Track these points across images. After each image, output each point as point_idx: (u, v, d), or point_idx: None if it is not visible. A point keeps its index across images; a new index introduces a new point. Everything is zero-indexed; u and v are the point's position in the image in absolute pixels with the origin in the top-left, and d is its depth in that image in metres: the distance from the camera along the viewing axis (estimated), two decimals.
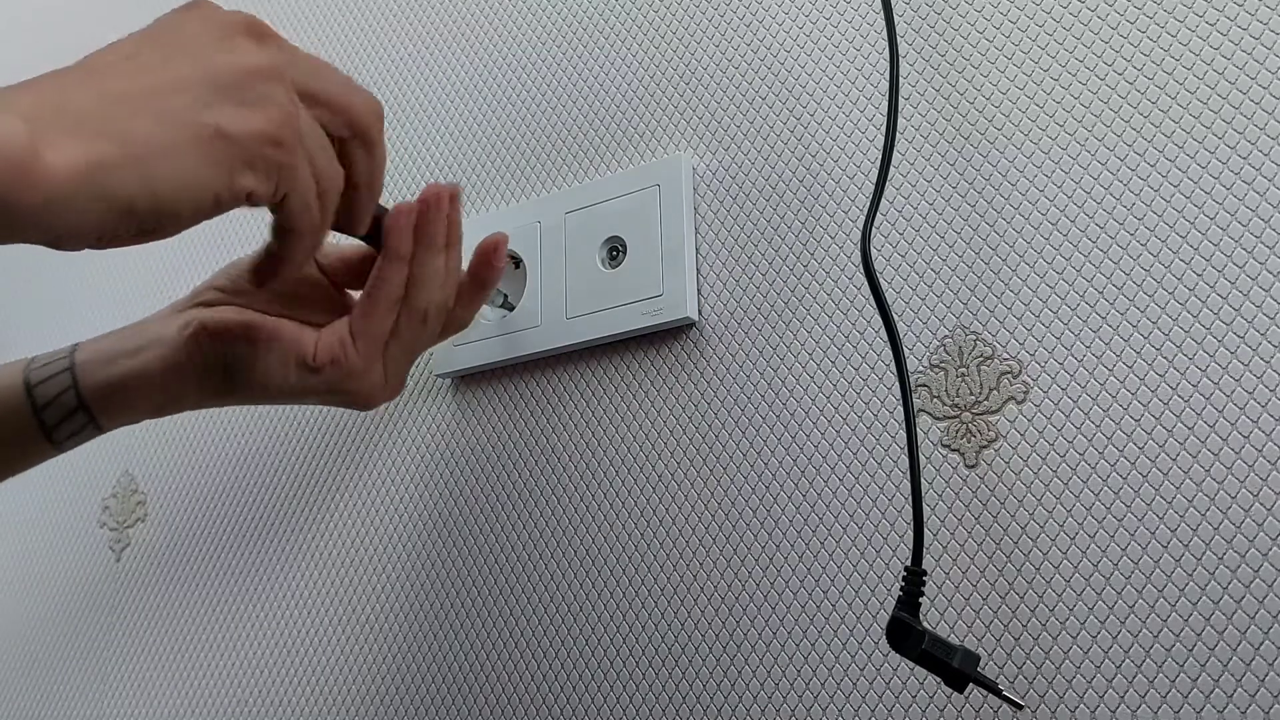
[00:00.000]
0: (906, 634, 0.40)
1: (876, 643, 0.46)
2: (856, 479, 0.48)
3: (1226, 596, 0.40)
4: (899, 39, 0.51)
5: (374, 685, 0.60)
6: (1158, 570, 0.41)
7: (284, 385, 0.47)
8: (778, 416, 0.51)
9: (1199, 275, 0.43)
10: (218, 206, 0.38)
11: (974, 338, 0.47)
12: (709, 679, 0.49)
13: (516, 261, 0.60)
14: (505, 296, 0.59)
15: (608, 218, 0.57)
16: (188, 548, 0.71)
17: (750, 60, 0.58)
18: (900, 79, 0.50)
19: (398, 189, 0.70)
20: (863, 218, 0.50)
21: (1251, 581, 0.39)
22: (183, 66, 0.37)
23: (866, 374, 0.49)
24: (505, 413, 0.60)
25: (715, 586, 0.50)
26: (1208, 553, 0.40)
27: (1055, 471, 0.44)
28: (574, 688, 0.53)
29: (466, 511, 0.60)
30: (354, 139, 0.42)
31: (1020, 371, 0.46)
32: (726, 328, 0.54)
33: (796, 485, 0.49)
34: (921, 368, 0.48)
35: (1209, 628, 0.40)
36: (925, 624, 0.40)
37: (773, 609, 0.48)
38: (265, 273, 0.43)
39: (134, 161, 0.35)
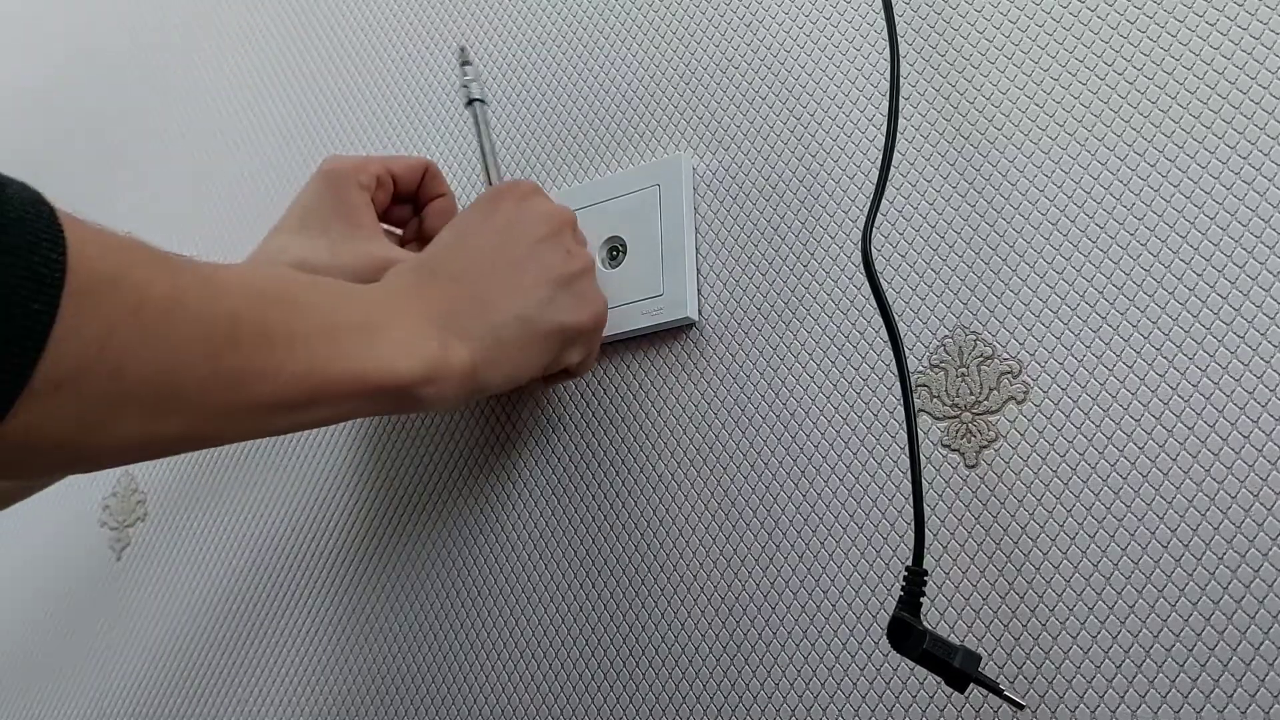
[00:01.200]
0: (907, 634, 0.40)
1: (877, 643, 0.46)
2: (856, 479, 0.48)
3: (1226, 596, 0.40)
4: (899, 39, 0.51)
5: (373, 685, 0.60)
6: (1158, 570, 0.41)
7: None
8: (778, 416, 0.51)
9: (1199, 275, 0.43)
10: (544, 371, 0.50)
11: (974, 338, 0.47)
12: (709, 679, 0.49)
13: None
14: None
15: (608, 217, 0.57)
16: (188, 548, 0.71)
17: (750, 60, 0.58)
18: (900, 79, 0.50)
19: None
20: (863, 218, 0.50)
21: (1251, 581, 0.39)
22: (531, 271, 0.48)
23: (866, 374, 0.49)
24: (505, 413, 0.60)
25: (715, 586, 0.50)
26: (1208, 553, 0.40)
27: (1055, 471, 0.44)
28: (574, 688, 0.53)
29: (466, 511, 0.59)
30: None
31: (1020, 371, 0.46)
32: (726, 328, 0.54)
33: (796, 485, 0.49)
34: (921, 368, 0.48)
35: (1209, 628, 0.40)
36: (926, 624, 0.40)
37: (773, 609, 0.48)
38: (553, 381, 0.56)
39: (504, 358, 0.46)
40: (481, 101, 0.62)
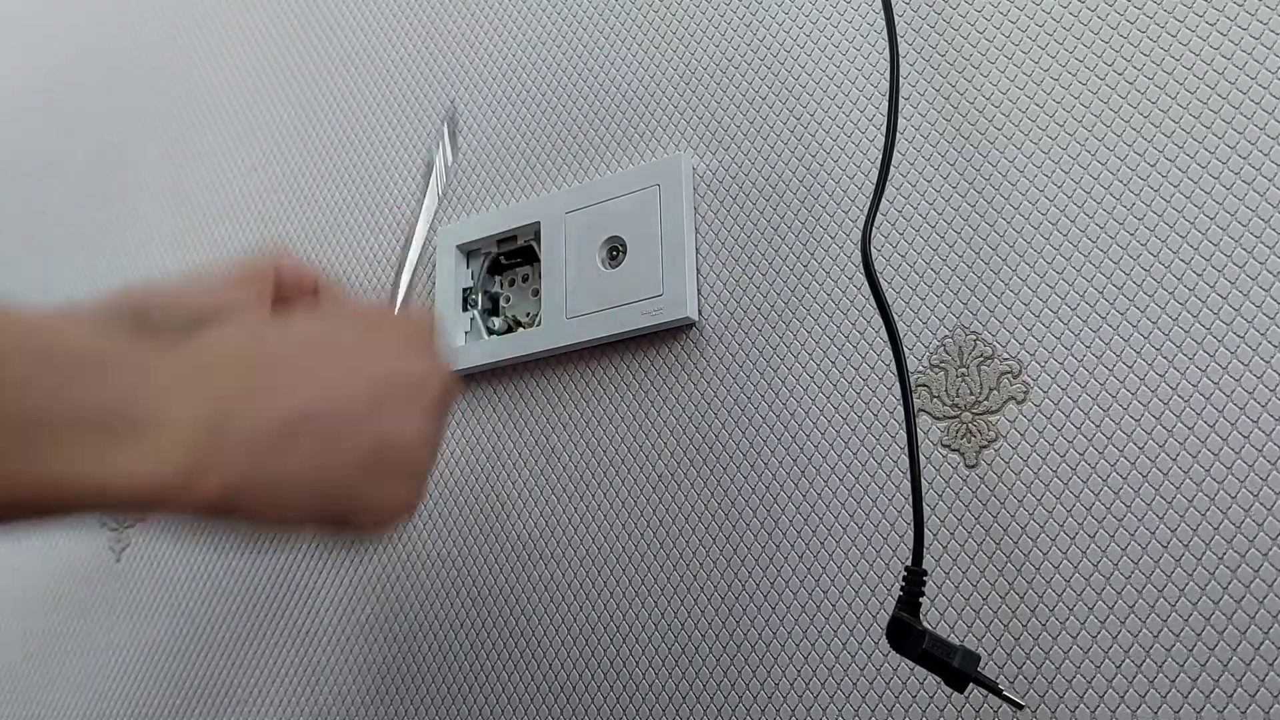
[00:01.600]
0: (907, 634, 0.40)
1: (876, 643, 0.46)
2: (856, 479, 0.48)
3: (1226, 596, 0.40)
4: (899, 39, 0.51)
5: (373, 685, 0.60)
6: (1158, 570, 0.41)
7: None
8: (778, 416, 0.51)
9: (1199, 275, 0.43)
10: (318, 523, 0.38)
11: (974, 338, 0.47)
12: (709, 679, 0.49)
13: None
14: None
15: (608, 217, 0.57)
16: (187, 549, 0.71)
17: (750, 60, 0.58)
18: (900, 79, 0.50)
19: (398, 188, 0.70)
20: (863, 218, 0.50)
21: (1251, 581, 0.39)
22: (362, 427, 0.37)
23: (866, 374, 0.49)
24: (505, 412, 0.60)
25: (715, 586, 0.50)
26: (1208, 553, 0.40)
27: (1055, 471, 0.44)
28: (574, 688, 0.53)
29: (466, 511, 0.59)
30: None
31: (1020, 371, 0.46)
32: (726, 328, 0.54)
33: (796, 485, 0.49)
34: (921, 368, 0.48)
35: (1209, 628, 0.40)
36: (925, 624, 0.40)
37: (773, 609, 0.48)
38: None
39: (273, 495, 0.35)
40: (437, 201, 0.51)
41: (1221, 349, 0.42)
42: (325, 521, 0.37)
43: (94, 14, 0.99)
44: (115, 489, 0.30)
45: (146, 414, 0.31)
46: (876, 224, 0.50)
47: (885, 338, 0.49)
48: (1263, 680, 0.38)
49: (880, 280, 0.46)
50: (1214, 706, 0.39)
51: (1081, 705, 0.41)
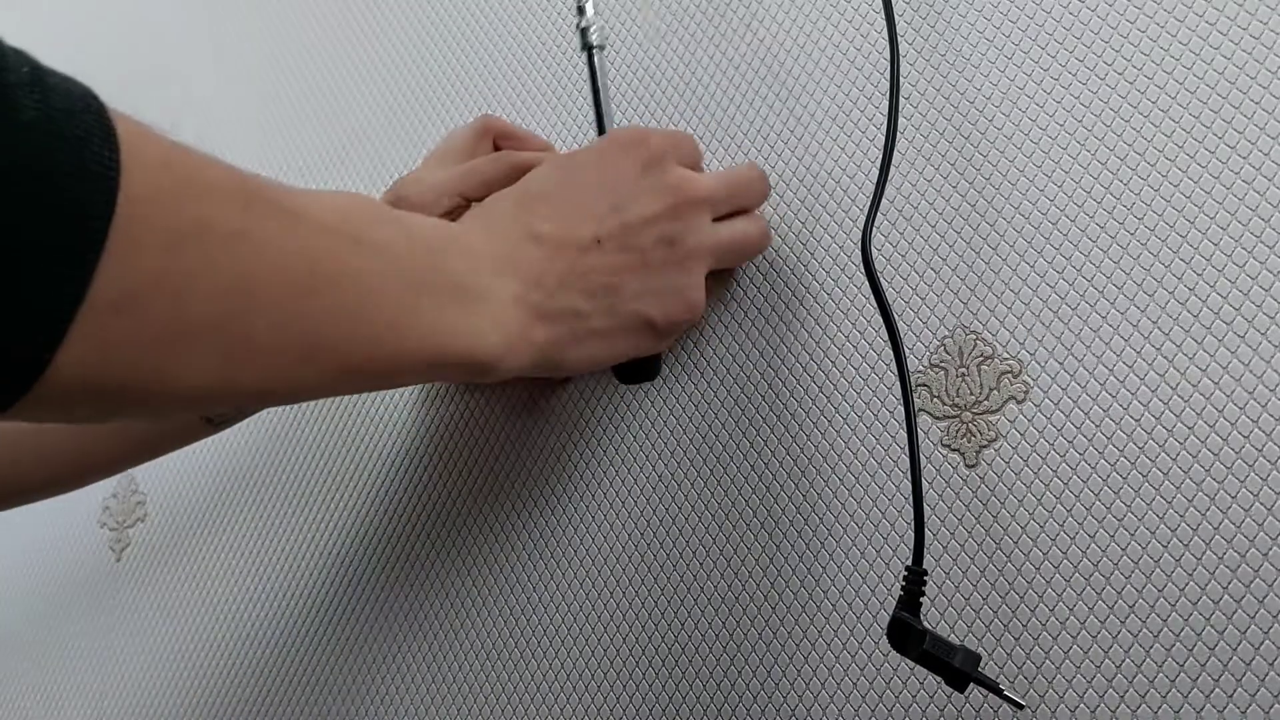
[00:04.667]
0: (907, 634, 0.40)
1: (876, 643, 0.46)
2: (856, 479, 0.48)
3: (1226, 596, 0.40)
4: (899, 39, 0.51)
5: (373, 685, 0.60)
6: (1158, 570, 0.41)
7: None
8: (778, 416, 0.51)
9: (1199, 275, 0.43)
10: (627, 358, 0.47)
11: (974, 338, 0.47)
12: (709, 679, 0.49)
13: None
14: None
15: None
16: (188, 548, 0.71)
17: (750, 60, 0.58)
18: (900, 79, 0.50)
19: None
20: (863, 218, 0.50)
21: (1251, 581, 0.39)
22: (626, 255, 0.43)
23: (866, 374, 0.49)
24: (506, 412, 0.60)
25: (715, 586, 0.50)
26: (1208, 553, 0.40)
27: (1055, 471, 0.44)
28: (574, 688, 0.53)
29: (466, 511, 0.59)
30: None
31: (1020, 371, 0.46)
32: (726, 328, 0.54)
33: (797, 485, 0.49)
34: (921, 368, 0.48)
35: (1209, 628, 0.40)
36: (926, 624, 0.40)
37: (773, 609, 0.48)
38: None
39: (582, 343, 0.42)
40: (600, 48, 0.55)
41: (1221, 349, 0.42)
42: (626, 346, 0.45)
43: (98, 15, 0.99)
44: (460, 349, 0.37)
45: (477, 286, 0.38)
46: (876, 224, 0.50)
47: (885, 338, 0.49)
48: (1263, 680, 0.38)
49: (880, 280, 0.46)
50: (1214, 706, 0.39)
51: (1081, 705, 0.41)
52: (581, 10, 0.54)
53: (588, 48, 0.54)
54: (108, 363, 0.26)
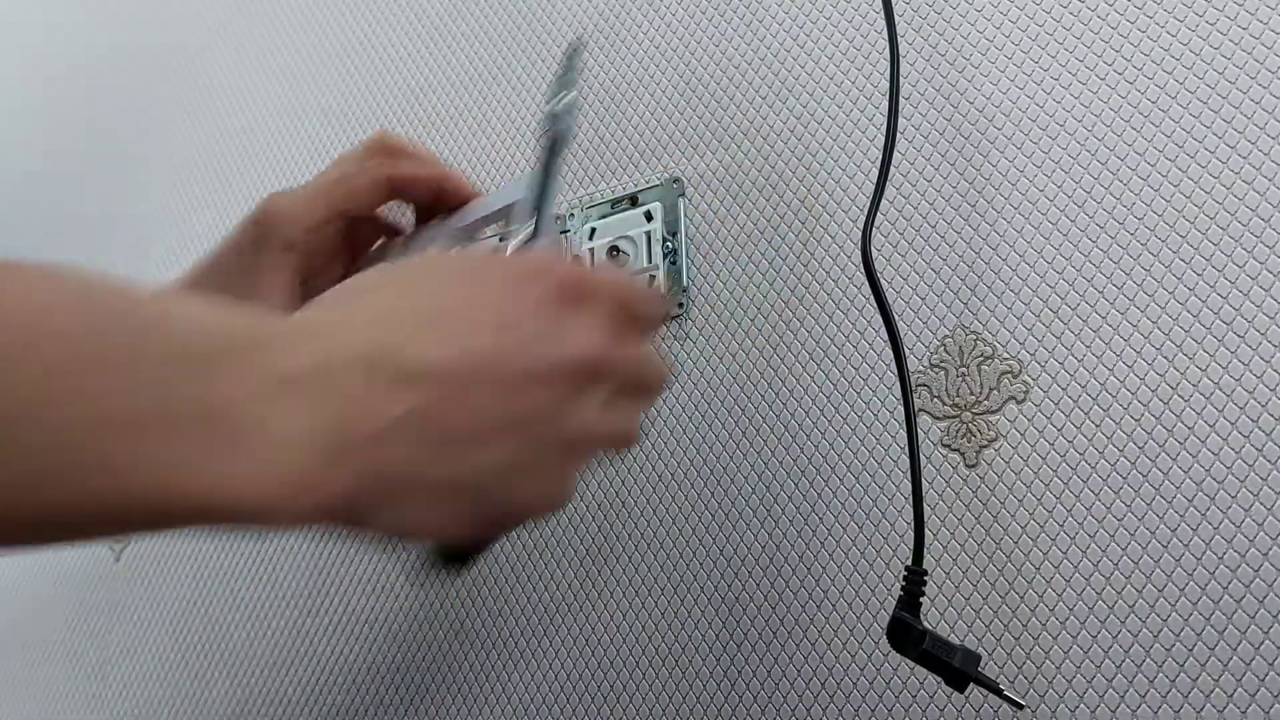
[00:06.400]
0: (907, 634, 0.40)
1: (877, 643, 0.46)
2: (856, 479, 0.48)
3: (1226, 596, 0.40)
4: (899, 39, 0.51)
5: (373, 684, 0.59)
6: (1158, 570, 0.41)
7: None
8: (778, 416, 0.51)
9: (1199, 275, 0.43)
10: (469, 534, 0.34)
11: (974, 338, 0.47)
12: (709, 679, 0.49)
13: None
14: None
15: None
16: (186, 549, 0.71)
17: (750, 60, 0.58)
18: (900, 79, 0.50)
19: None
20: (863, 218, 0.50)
21: (1251, 581, 0.39)
22: (498, 409, 0.32)
23: (866, 374, 0.49)
24: None
25: (715, 586, 0.50)
26: (1208, 553, 0.40)
27: (1055, 471, 0.44)
28: (574, 688, 0.53)
29: None
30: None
31: (1020, 371, 0.46)
32: (726, 328, 0.54)
33: (796, 485, 0.49)
34: (921, 368, 0.48)
35: (1209, 628, 0.40)
36: (926, 624, 0.40)
37: (773, 609, 0.48)
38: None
39: (399, 504, 0.31)
40: (564, 143, 0.46)
41: (1221, 349, 0.42)
42: (454, 523, 0.32)
43: (105, 15, 0.99)
44: (187, 495, 0.26)
45: (249, 418, 0.28)
46: (876, 224, 0.50)
47: (885, 338, 0.49)
48: (1263, 680, 0.38)
49: (880, 280, 0.46)
50: (1214, 706, 0.39)
51: (1081, 705, 0.41)
52: (560, 94, 0.45)
53: (552, 137, 0.44)
54: None
